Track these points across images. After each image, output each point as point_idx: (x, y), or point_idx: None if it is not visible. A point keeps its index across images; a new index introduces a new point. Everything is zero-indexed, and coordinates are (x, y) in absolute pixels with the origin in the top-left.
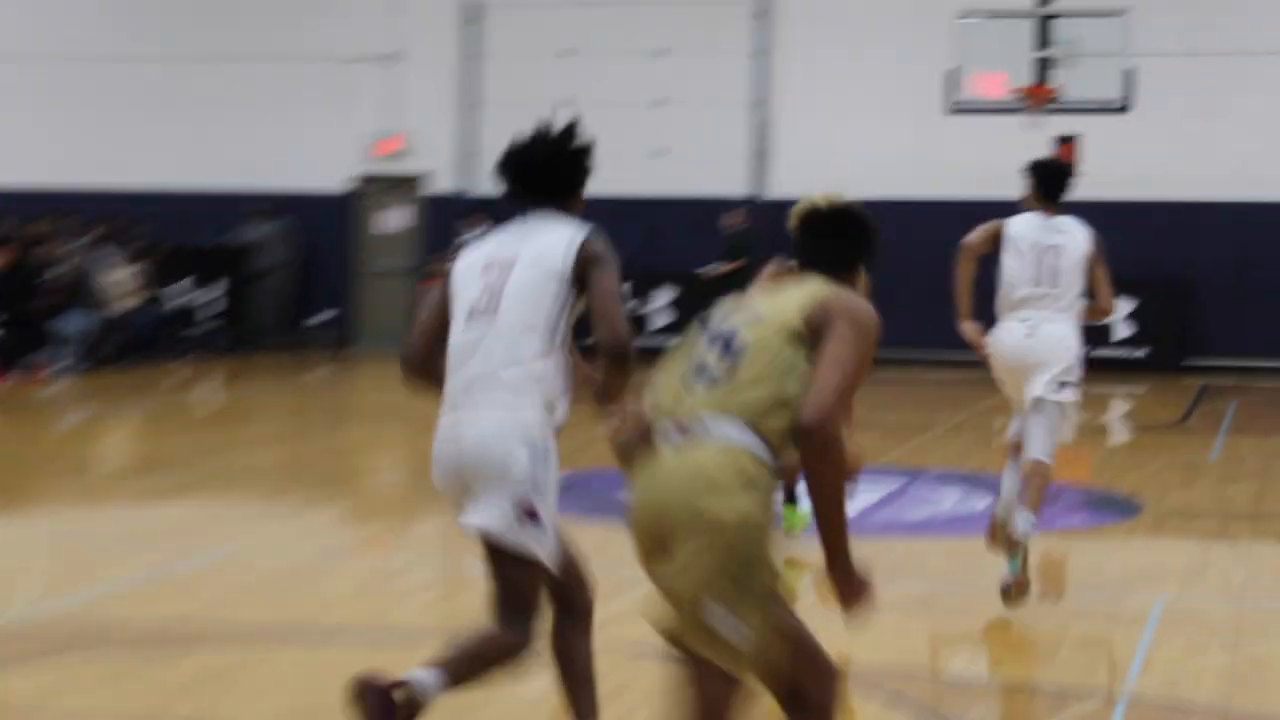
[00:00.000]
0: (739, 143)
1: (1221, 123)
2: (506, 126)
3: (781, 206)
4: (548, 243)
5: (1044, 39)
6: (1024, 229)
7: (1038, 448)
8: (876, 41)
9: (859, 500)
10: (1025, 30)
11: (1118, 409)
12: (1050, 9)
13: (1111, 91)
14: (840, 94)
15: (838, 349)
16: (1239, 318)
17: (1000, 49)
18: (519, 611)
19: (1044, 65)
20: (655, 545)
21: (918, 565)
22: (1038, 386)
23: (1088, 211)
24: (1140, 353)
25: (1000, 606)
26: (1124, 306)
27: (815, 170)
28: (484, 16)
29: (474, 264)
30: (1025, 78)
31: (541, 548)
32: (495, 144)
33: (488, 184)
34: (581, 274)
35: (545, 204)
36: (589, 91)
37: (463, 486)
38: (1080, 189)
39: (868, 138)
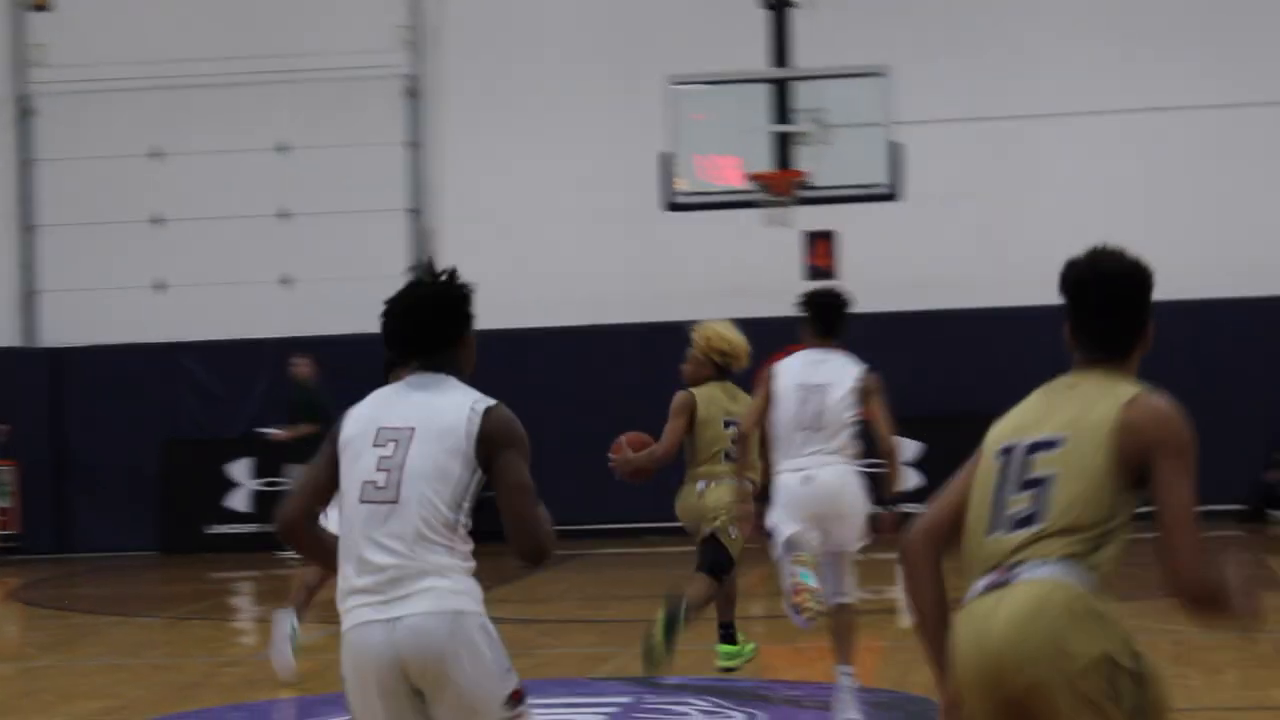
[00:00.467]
0: (396, 262)
1: (1018, 205)
2: (75, 256)
3: None
4: (446, 416)
5: (784, 109)
6: (788, 371)
7: (845, 592)
8: (568, 120)
9: None
10: (760, 99)
11: None
12: (789, 70)
13: (875, 174)
14: (524, 192)
15: (1174, 493)
16: None
17: (731, 124)
18: None
19: (786, 143)
20: (1002, 707)
21: None
22: (836, 542)
23: (851, 328)
24: None
25: None
26: (908, 449)
27: (498, 295)
28: (35, 111)
29: (365, 430)
30: (764, 160)
31: None
32: (59, 279)
33: (54, 332)
34: (486, 454)
35: (432, 358)
36: (187, 203)
37: (408, 690)
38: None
39: (565, 248)
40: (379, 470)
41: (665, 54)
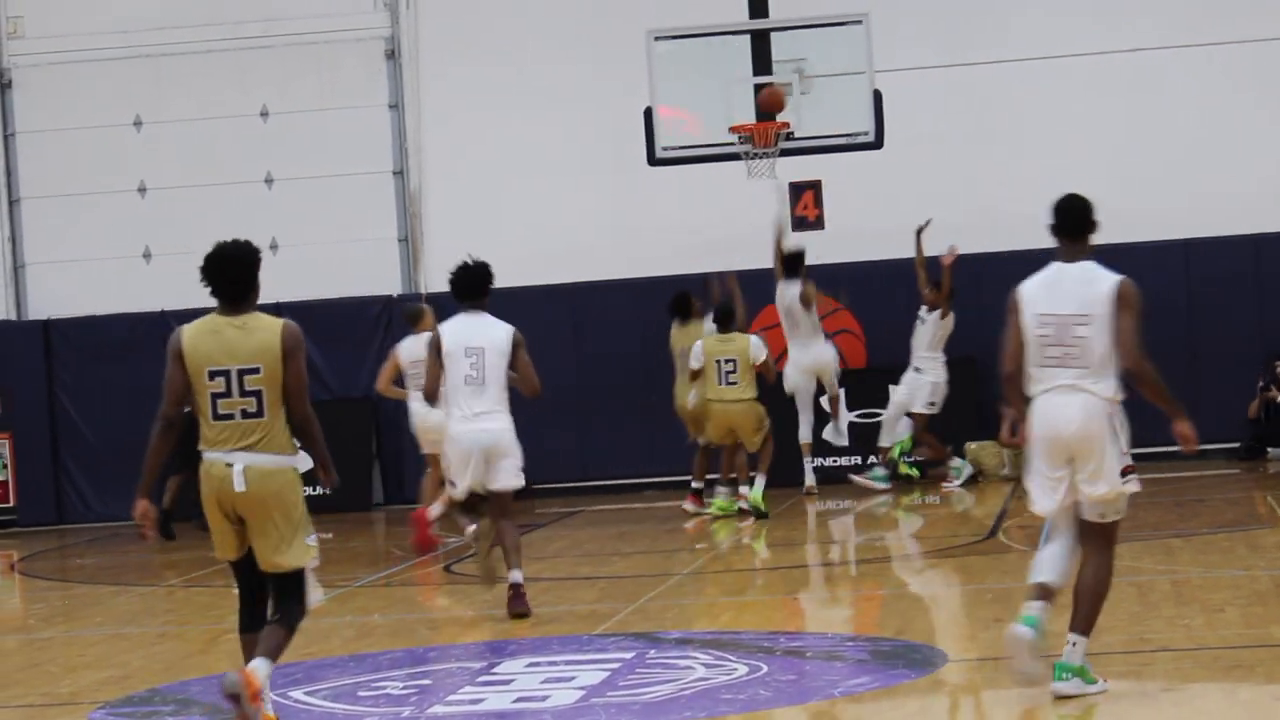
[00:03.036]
0: (384, 225)
1: (1000, 151)
2: (62, 227)
3: (432, 302)
4: (498, 336)
5: (765, 61)
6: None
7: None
8: (549, 76)
9: (579, 682)
10: (741, 51)
11: (905, 527)
12: (768, 21)
13: (857, 122)
14: (508, 150)
15: None
16: None
17: (713, 77)
18: None
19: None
20: None
21: None
22: None
23: (836, 275)
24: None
25: None
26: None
27: (485, 253)
28: (13, 84)
29: (459, 344)
30: (747, 112)
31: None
32: (48, 251)
33: (43, 304)
34: (513, 352)
35: (479, 302)
36: (172, 171)
37: (483, 462)
38: (826, 249)
39: (550, 205)
40: (473, 369)
41: (644, 7)
